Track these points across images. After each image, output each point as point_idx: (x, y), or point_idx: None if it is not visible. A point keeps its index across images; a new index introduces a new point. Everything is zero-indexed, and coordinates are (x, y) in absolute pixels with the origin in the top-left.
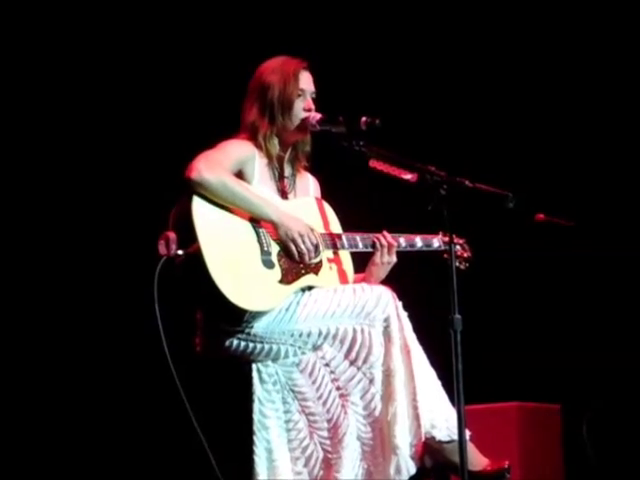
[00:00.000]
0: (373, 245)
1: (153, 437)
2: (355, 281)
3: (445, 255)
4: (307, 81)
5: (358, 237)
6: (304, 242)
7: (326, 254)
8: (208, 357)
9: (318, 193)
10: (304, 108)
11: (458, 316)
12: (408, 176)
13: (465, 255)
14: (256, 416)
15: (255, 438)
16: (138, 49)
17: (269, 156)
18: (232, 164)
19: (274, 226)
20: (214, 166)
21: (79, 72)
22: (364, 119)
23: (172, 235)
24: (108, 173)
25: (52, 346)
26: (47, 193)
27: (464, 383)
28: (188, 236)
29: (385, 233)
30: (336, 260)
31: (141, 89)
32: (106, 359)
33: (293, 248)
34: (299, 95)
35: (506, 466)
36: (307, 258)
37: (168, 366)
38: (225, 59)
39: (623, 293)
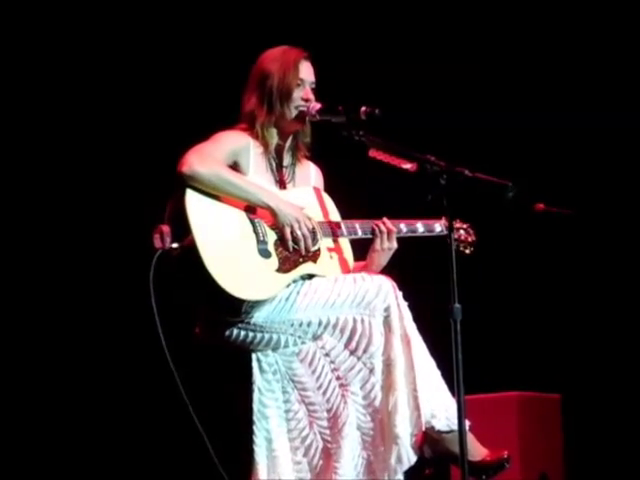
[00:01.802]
0: (372, 231)
1: (152, 430)
2: (356, 269)
3: (448, 240)
4: (307, 71)
5: (357, 224)
6: (300, 228)
7: (325, 242)
8: (208, 346)
9: (321, 182)
10: (303, 98)
11: (458, 305)
12: (408, 166)
13: (469, 239)
14: (256, 406)
15: (255, 428)
16: (135, 43)
17: (265, 145)
18: (225, 155)
19: (271, 212)
20: (206, 159)
21: (74, 63)
22: (364, 109)
23: (166, 228)
24: (102, 168)
25: (49, 341)
26: (42, 189)
27: (464, 373)
28: (183, 229)
29: (385, 219)
30: (335, 248)
31: (136, 82)
32: (103, 353)
33: (289, 234)
34: (298, 85)
35: (505, 456)
36: (303, 244)
37: (166, 359)
38: (222, 50)
39: (624, 282)
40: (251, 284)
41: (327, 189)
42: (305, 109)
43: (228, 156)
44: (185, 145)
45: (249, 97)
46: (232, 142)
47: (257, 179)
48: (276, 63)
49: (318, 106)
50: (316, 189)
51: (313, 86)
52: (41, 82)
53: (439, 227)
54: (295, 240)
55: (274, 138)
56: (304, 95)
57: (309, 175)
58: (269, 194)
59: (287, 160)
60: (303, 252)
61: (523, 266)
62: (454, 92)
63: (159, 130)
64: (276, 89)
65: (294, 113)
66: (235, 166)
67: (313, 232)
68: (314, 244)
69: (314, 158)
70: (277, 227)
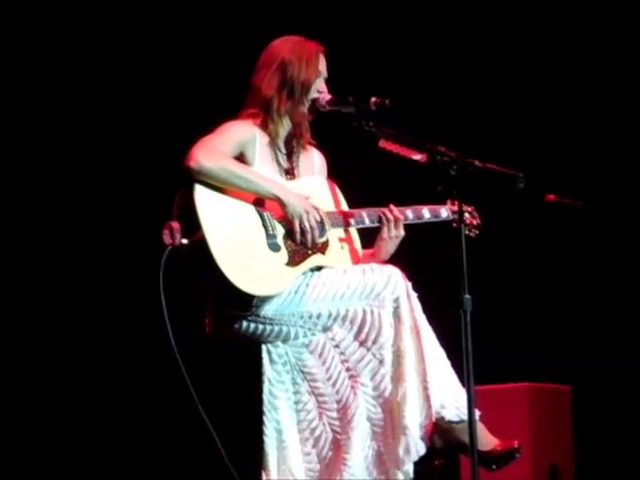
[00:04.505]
0: (380, 220)
1: (160, 425)
2: (364, 257)
3: (454, 224)
4: (324, 64)
5: (364, 213)
6: (309, 220)
7: (333, 233)
8: (218, 338)
9: (324, 169)
10: (318, 90)
11: (468, 296)
12: (418, 156)
13: (475, 222)
14: (266, 397)
15: (265, 419)
16: (139, 39)
17: (273, 134)
18: (231, 147)
19: (280, 204)
20: (213, 152)
21: (78, 56)
22: (374, 99)
23: (176, 225)
24: (111, 165)
25: (59, 337)
26: (51, 186)
27: (474, 363)
28: (192, 224)
29: (392, 207)
30: (343, 239)
31: (141, 78)
32: (113, 350)
33: (297, 226)
34: (317, 77)
35: (516, 446)
36: (310, 236)
37: (175, 357)
38: (225, 44)
39: (636, 273)
40: (262, 279)
41: (335, 180)
42: (316, 100)
43: (234, 148)
44: (191, 140)
45: (267, 82)
46: (238, 134)
47: (263, 169)
48: (296, 53)
49: (328, 97)
50: (321, 177)
51: (325, 79)
52: (52, 80)
53: (445, 212)
54: (302, 232)
55: (284, 126)
56: (320, 88)
57: (312, 162)
58: (278, 185)
59: (292, 148)
60: (309, 245)
61: (534, 257)
62: (463, 83)
63: (166, 125)
64: (297, 79)
65: (307, 105)
66: (241, 157)
67: (321, 223)
68: (322, 235)
69: (321, 147)
70: (285, 219)
